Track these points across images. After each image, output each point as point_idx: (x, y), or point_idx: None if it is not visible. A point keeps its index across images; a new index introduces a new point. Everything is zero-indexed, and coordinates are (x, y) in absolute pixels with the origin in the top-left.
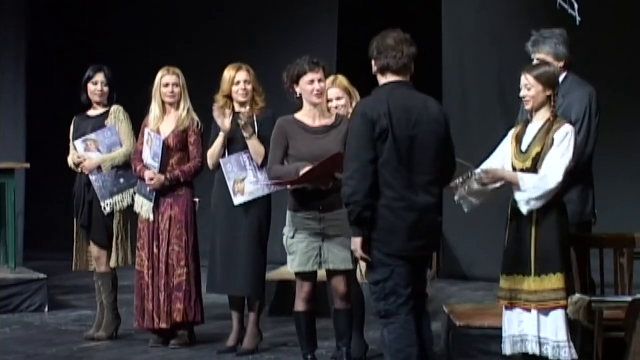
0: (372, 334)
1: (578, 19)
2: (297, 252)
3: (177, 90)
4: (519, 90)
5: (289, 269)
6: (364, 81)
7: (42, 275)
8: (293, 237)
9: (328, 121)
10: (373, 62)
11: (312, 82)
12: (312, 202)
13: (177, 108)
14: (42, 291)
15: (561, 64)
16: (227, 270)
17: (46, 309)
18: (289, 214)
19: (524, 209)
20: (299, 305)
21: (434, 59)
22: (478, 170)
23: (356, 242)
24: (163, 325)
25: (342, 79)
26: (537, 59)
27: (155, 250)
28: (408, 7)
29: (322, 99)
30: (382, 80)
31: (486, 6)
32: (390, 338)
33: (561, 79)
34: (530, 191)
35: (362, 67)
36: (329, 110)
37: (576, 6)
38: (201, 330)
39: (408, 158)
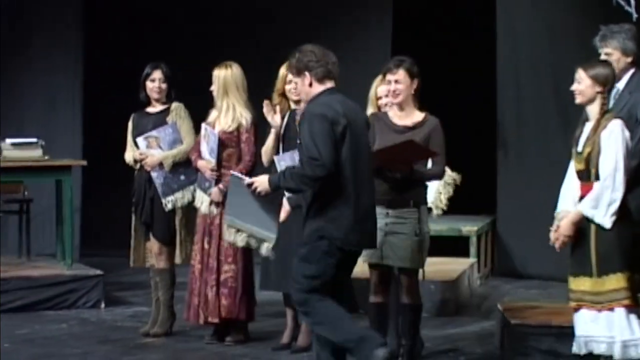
0: (427, 331)
1: (635, 15)
2: None
3: (214, 87)
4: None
5: None
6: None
7: (98, 272)
8: None
9: (413, 120)
10: (308, 74)
11: (389, 82)
12: (380, 197)
13: (223, 105)
14: (98, 287)
15: (629, 60)
16: (281, 267)
17: (102, 305)
18: None
19: (608, 224)
20: (370, 296)
21: (488, 55)
22: (551, 234)
23: (265, 191)
24: (212, 320)
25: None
26: (605, 54)
27: (206, 246)
28: (462, 3)
29: (400, 98)
30: (320, 87)
31: (541, 2)
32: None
33: (628, 75)
34: (602, 210)
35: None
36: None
37: (633, 2)
38: (256, 327)
39: (359, 157)
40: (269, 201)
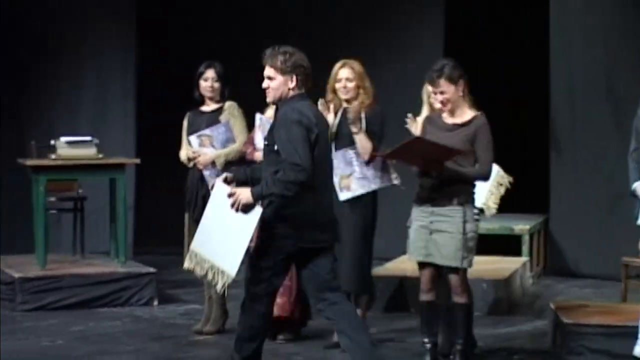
0: (479, 330)
1: None
2: (409, 241)
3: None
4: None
5: None
6: (469, 76)
7: (151, 269)
8: (410, 227)
9: (463, 118)
10: (295, 77)
11: (434, 93)
12: (425, 194)
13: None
14: (151, 285)
15: None
16: None
17: (155, 303)
18: (413, 204)
19: None
20: (420, 295)
21: (541, 54)
22: None
23: (247, 200)
24: None
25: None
26: None
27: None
28: (515, 1)
29: (449, 106)
30: (294, 92)
31: (594, 1)
32: None
33: None
34: None
35: (469, 62)
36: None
37: None
38: (308, 325)
39: (325, 161)
40: (244, 225)
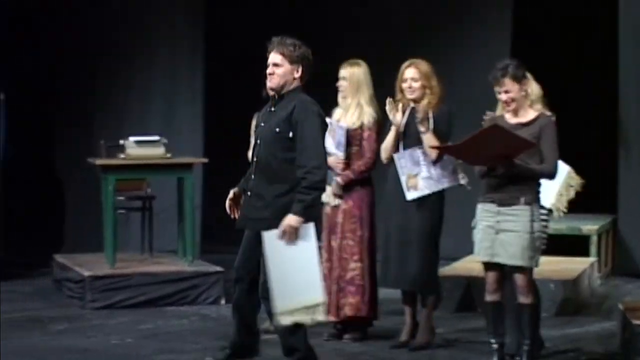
0: (547, 331)
1: None
2: (475, 242)
3: (344, 84)
4: None
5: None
6: (538, 79)
7: (218, 268)
8: (475, 227)
9: (527, 117)
10: (301, 68)
11: (498, 93)
12: (490, 194)
13: (350, 103)
14: (218, 284)
15: None
16: (399, 264)
17: (222, 302)
18: (478, 204)
19: None
20: (485, 295)
21: (610, 52)
22: None
23: (298, 222)
24: (335, 318)
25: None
26: None
27: (332, 244)
28: (584, 4)
29: (513, 105)
30: (297, 83)
31: None
32: None
33: None
34: None
35: (537, 63)
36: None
37: None
38: (375, 324)
39: None
40: (305, 249)
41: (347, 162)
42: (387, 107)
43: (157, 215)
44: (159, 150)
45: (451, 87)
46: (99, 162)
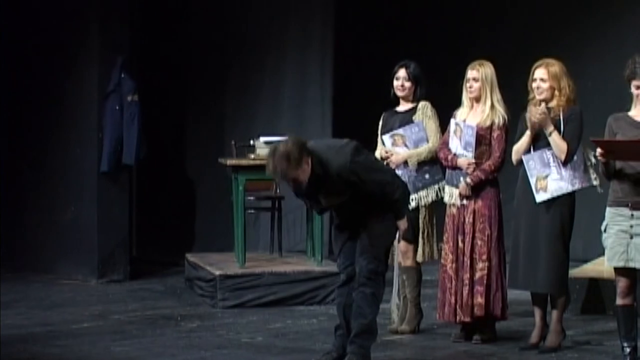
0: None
1: None
2: (607, 246)
3: (476, 85)
4: None
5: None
6: None
7: None
8: (605, 231)
9: None
10: None
11: (637, 87)
12: (623, 198)
13: (481, 102)
14: None
15: None
16: (529, 266)
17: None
18: (607, 207)
19: None
20: (617, 299)
21: None
22: None
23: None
24: (465, 319)
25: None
26: None
27: (460, 244)
28: None
29: None
30: None
31: None
32: None
33: None
34: None
35: None
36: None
37: None
38: (504, 326)
39: None
40: None
41: (477, 163)
42: (540, 112)
43: (286, 215)
44: None
45: (584, 87)
46: (230, 162)
